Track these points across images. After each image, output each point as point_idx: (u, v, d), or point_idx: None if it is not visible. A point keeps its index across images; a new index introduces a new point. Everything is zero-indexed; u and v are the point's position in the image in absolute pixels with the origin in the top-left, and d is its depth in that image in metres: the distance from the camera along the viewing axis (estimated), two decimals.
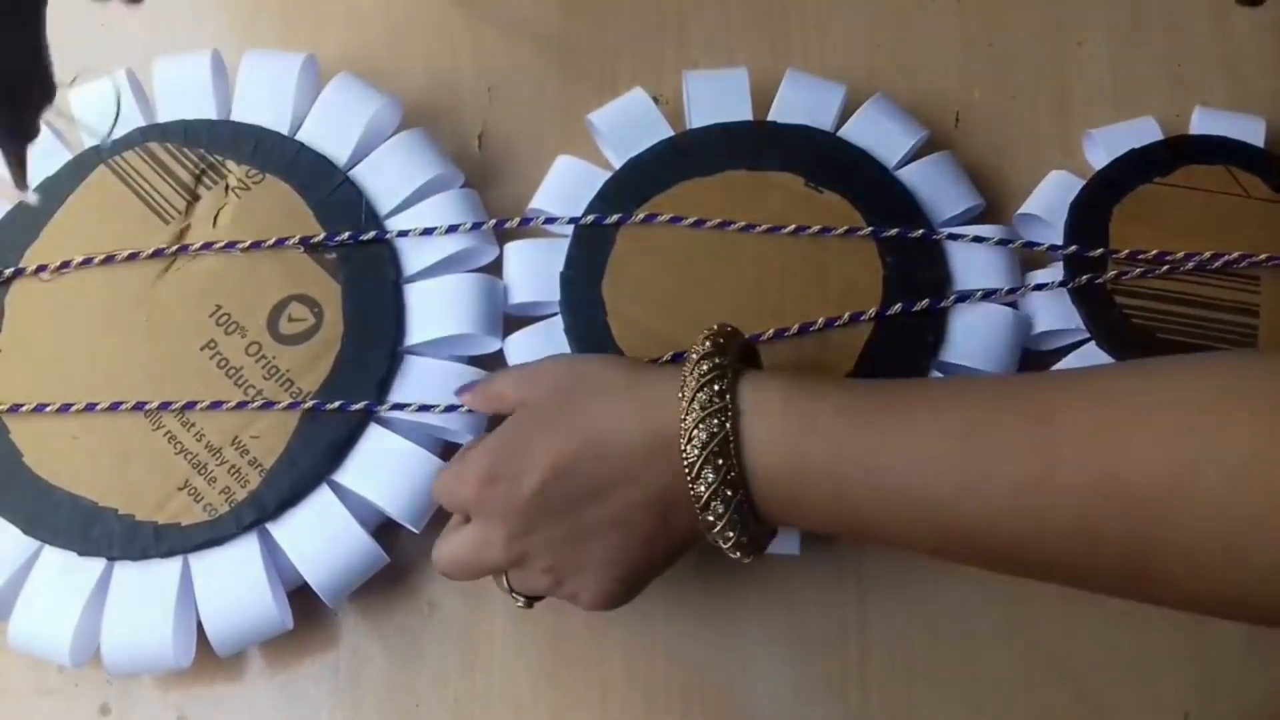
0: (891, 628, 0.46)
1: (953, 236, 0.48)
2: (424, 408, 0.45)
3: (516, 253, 0.48)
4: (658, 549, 0.39)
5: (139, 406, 0.45)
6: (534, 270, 0.48)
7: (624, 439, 0.37)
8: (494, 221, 0.48)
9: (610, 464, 0.37)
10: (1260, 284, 0.47)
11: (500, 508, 0.38)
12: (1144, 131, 0.51)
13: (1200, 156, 0.50)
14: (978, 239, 0.48)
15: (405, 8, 0.56)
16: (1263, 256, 0.47)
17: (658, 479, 0.37)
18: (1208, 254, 0.47)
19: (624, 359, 0.43)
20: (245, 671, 0.46)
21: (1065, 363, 0.47)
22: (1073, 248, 0.47)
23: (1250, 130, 0.51)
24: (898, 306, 0.46)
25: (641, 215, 0.48)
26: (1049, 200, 0.50)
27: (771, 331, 0.46)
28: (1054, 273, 0.48)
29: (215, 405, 0.44)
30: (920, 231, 0.47)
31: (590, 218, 0.48)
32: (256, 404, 0.45)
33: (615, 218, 0.48)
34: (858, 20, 0.56)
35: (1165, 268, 0.47)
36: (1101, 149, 0.51)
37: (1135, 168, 0.50)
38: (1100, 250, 0.47)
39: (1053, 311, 0.48)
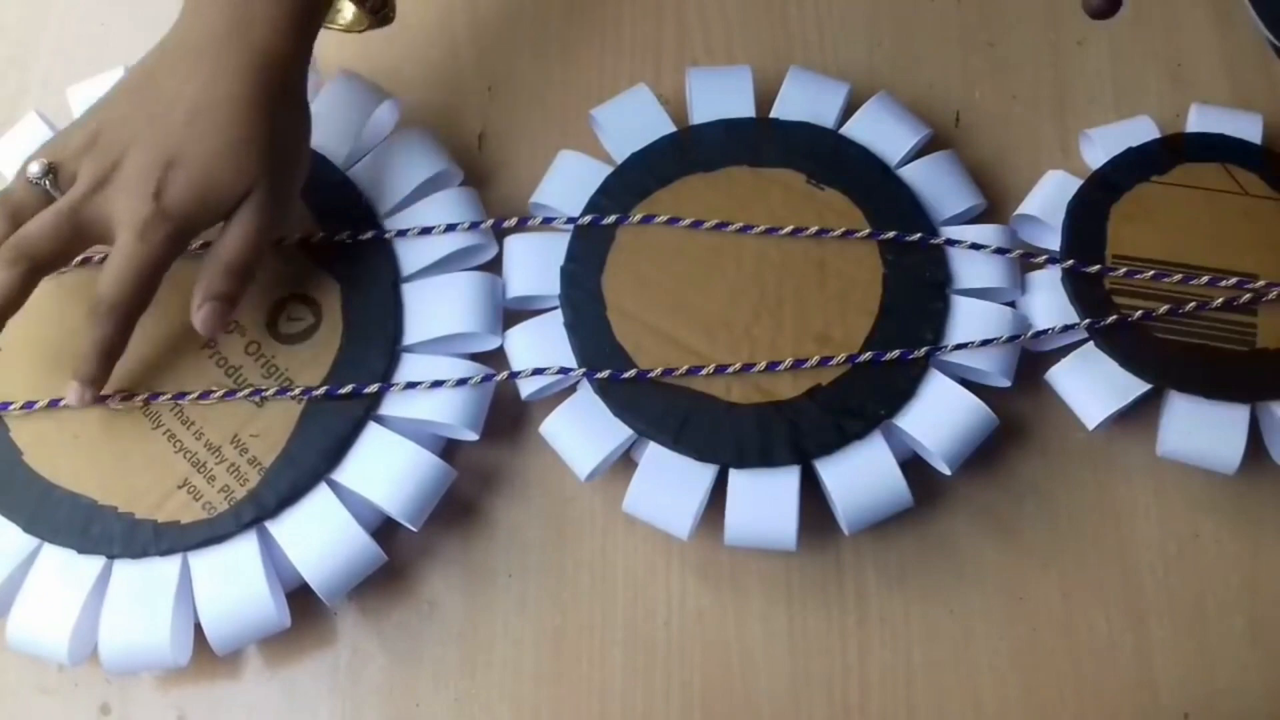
0: (891, 628, 0.46)
1: (950, 242, 0.48)
2: (436, 383, 0.45)
3: (517, 246, 0.48)
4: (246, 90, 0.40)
5: (128, 398, 0.45)
6: (534, 264, 0.48)
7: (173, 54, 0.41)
8: (492, 221, 0.48)
9: (157, 73, 0.41)
10: (1257, 282, 0.47)
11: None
12: (1141, 130, 0.51)
13: (1197, 155, 0.50)
14: (975, 246, 0.48)
15: (405, 7, 0.56)
16: (1260, 283, 0.47)
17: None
18: (1204, 279, 0.47)
19: None
20: (245, 671, 0.46)
21: (1065, 362, 0.47)
22: (1070, 261, 0.47)
23: (1248, 127, 0.51)
24: (867, 355, 0.45)
25: (639, 216, 0.48)
26: (1047, 200, 0.50)
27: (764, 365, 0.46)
28: (1052, 273, 0.48)
29: (204, 396, 0.45)
30: (918, 235, 0.47)
31: (587, 218, 0.48)
32: (244, 393, 0.45)
33: (613, 218, 0.48)
34: (858, 20, 0.56)
35: (1153, 273, 0.47)
36: (1098, 148, 0.51)
37: (1132, 167, 0.50)
38: (1097, 266, 0.47)
39: (1051, 311, 0.48)
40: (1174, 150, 0.50)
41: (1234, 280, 0.47)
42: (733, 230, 0.47)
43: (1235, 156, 0.50)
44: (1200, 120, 0.51)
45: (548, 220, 0.48)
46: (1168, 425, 0.46)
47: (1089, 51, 0.55)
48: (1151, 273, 0.47)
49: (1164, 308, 0.47)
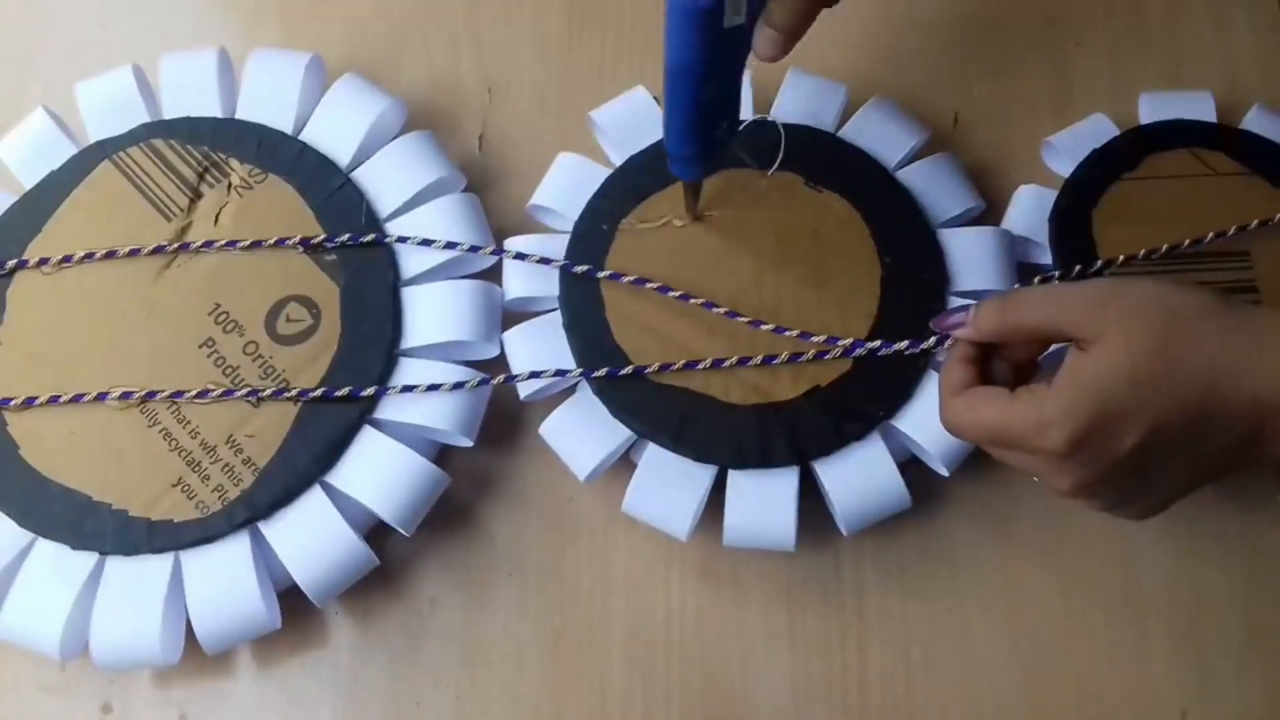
0: (891, 628, 0.46)
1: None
2: (432, 387, 0.45)
3: (516, 248, 0.48)
4: (1213, 478, 0.37)
5: (126, 395, 0.45)
6: (534, 266, 0.48)
7: (1231, 403, 0.34)
8: (492, 248, 0.48)
9: (1210, 426, 0.35)
10: (1251, 259, 0.47)
11: (1081, 466, 0.36)
12: (1100, 131, 0.51)
13: (1160, 144, 0.50)
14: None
15: (405, 8, 0.56)
16: (1253, 223, 0.47)
17: (1248, 437, 0.35)
18: (1209, 236, 0.47)
19: (1208, 292, 0.36)
20: (247, 671, 0.46)
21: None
22: (1076, 268, 0.47)
23: (1200, 107, 0.51)
24: (863, 349, 0.45)
25: (630, 279, 0.47)
26: (1026, 216, 0.50)
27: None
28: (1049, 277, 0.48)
29: (201, 395, 0.45)
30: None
31: (581, 268, 0.47)
32: (241, 392, 0.45)
33: (605, 274, 0.47)
34: (857, 20, 0.56)
35: (1163, 250, 0.47)
36: (1062, 155, 0.51)
37: (1101, 169, 0.50)
38: (1099, 263, 0.47)
39: None
40: (1137, 144, 0.50)
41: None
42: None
43: (1197, 139, 0.50)
44: (1152, 109, 0.51)
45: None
46: None
47: (1089, 51, 0.55)
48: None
49: None
